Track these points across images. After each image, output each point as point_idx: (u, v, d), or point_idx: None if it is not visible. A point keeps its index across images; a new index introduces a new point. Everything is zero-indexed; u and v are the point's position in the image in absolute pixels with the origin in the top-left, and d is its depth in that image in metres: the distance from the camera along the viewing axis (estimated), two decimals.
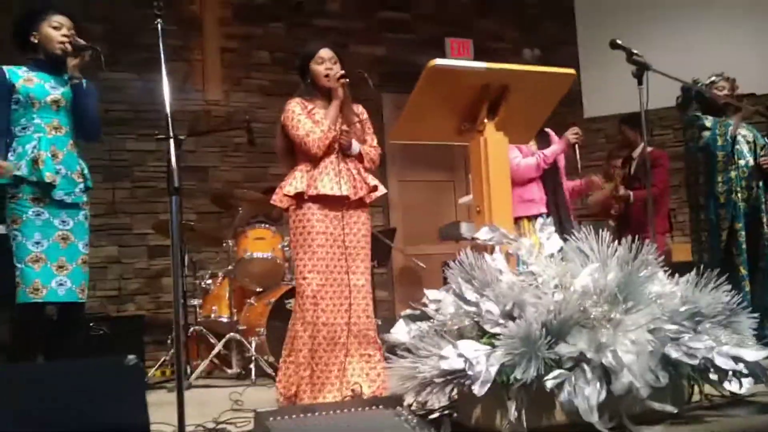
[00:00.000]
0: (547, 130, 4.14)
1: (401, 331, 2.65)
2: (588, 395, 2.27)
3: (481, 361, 2.30)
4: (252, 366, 4.75)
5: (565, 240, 2.73)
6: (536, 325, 2.33)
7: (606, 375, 2.32)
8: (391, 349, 2.70)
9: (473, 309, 2.48)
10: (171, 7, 5.73)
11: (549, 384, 2.29)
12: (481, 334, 2.43)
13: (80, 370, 2.40)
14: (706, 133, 4.45)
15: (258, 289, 5.26)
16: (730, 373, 2.49)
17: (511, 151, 3.55)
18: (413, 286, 6.64)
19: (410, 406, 2.53)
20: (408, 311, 2.71)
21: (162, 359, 5.02)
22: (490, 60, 2.96)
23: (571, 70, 3.05)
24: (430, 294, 2.65)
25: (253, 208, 5.49)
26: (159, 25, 2.73)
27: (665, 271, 2.68)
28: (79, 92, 3.33)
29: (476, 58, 6.71)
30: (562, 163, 4.26)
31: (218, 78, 6.44)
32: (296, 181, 3.41)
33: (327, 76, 3.44)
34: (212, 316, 5.18)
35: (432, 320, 2.59)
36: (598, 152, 6.73)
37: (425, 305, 2.65)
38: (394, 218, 6.97)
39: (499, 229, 2.72)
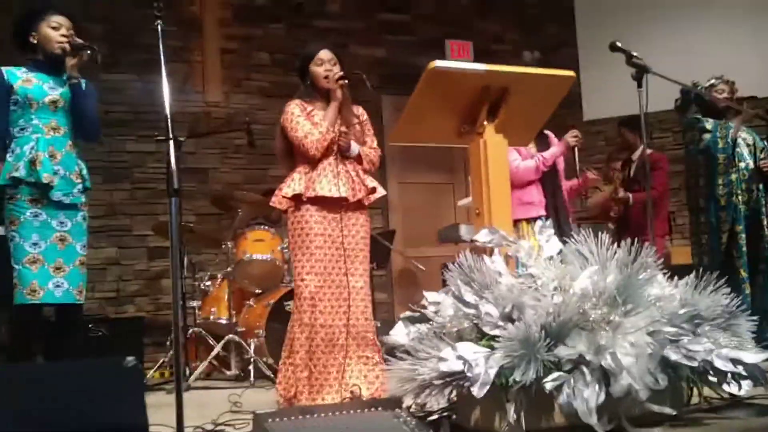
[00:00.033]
0: (547, 132, 4.14)
1: (400, 333, 2.66)
2: (587, 397, 2.27)
3: (480, 363, 2.30)
4: (251, 368, 4.75)
5: (564, 242, 2.73)
6: (535, 328, 2.33)
7: (605, 377, 2.32)
8: (390, 351, 2.70)
9: (472, 311, 2.48)
10: (171, 8, 5.73)
11: (548, 386, 2.29)
12: (480, 336, 2.43)
13: (80, 371, 2.41)
14: (707, 136, 4.46)
15: (257, 291, 5.26)
16: (729, 375, 2.49)
17: (510, 154, 3.55)
18: (412, 288, 6.64)
19: (409, 407, 2.53)
20: (407, 313, 2.71)
21: (161, 361, 5.02)
22: (491, 62, 2.96)
23: (571, 73, 3.05)
24: (430, 296, 2.66)
25: (253, 210, 5.49)
26: (159, 26, 2.73)
27: (664, 274, 2.68)
28: (78, 92, 3.33)
29: (476, 60, 6.72)
30: (561, 165, 4.26)
31: (218, 79, 6.44)
32: (294, 183, 3.41)
33: (326, 77, 3.44)
34: (211, 317, 5.17)
35: (431, 322, 2.59)
36: (598, 155, 6.73)
37: (424, 307, 2.65)
38: (393, 220, 6.97)
39: (498, 231, 2.72)
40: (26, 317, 3.23)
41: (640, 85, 3.54)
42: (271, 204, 3.50)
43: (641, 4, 7.02)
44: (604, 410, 2.30)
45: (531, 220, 3.90)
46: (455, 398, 2.50)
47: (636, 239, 2.63)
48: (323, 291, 3.36)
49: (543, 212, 3.98)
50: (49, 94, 3.31)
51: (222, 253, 5.46)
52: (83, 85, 3.35)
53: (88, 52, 3.26)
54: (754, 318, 2.68)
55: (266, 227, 5.27)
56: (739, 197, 4.40)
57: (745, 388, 2.56)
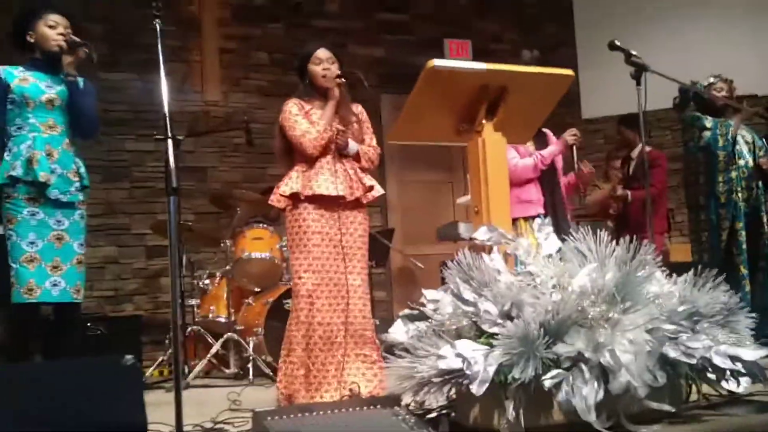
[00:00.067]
0: (545, 130, 4.14)
1: (399, 331, 2.65)
2: (586, 395, 2.27)
3: (479, 361, 2.30)
4: (250, 366, 4.75)
5: (562, 240, 2.73)
6: (534, 325, 2.33)
7: (604, 374, 2.32)
8: (389, 349, 2.70)
9: (471, 309, 2.48)
10: (170, 7, 5.73)
11: (547, 383, 2.28)
12: (479, 334, 2.43)
13: (78, 370, 2.41)
14: (707, 134, 4.47)
15: (256, 289, 5.26)
16: (728, 372, 2.49)
17: (508, 152, 3.55)
18: (411, 287, 6.64)
19: (408, 405, 2.53)
20: (406, 311, 2.71)
21: (160, 359, 5.02)
22: (490, 61, 2.96)
23: (570, 72, 3.05)
24: (428, 294, 2.65)
25: (252, 209, 5.49)
26: (157, 26, 2.74)
27: (663, 272, 2.68)
28: (75, 90, 3.33)
29: (475, 59, 6.71)
30: (559, 164, 4.26)
31: (217, 79, 6.44)
32: (292, 181, 3.41)
33: (324, 76, 3.44)
34: (210, 316, 5.18)
35: (430, 320, 2.59)
36: (596, 153, 6.73)
37: (423, 305, 2.65)
38: (392, 218, 6.97)
39: (497, 229, 2.72)
40: (24, 316, 3.24)
41: (638, 84, 3.55)
42: (269, 202, 3.51)
43: (640, 3, 7.03)
44: (603, 407, 2.30)
45: (529, 219, 3.90)
46: (454, 396, 2.50)
47: (635, 237, 2.63)
48: (320, 289, 3.36)
49: (541, 210, 3.98)
50: (45, 92, 3.31)
51: (221, 252, 5.47)
52: (81, 83, 3.35)
53: (85, 49, 3.26)
54: (753, 315, 2.68)
55: (265, 226, 5.27)
56: (739, 195, 4.41)
57: (744, 385, 2.56)
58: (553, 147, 4.12)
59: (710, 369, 2.48)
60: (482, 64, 2.89)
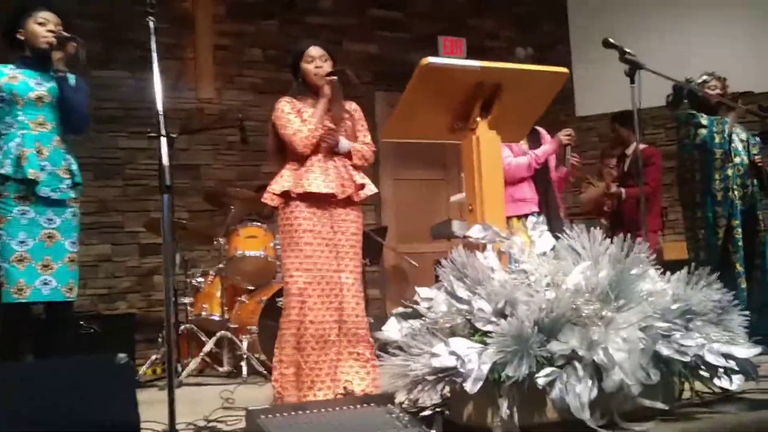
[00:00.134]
0: (538, 128, 4.14)
1: (393, 329, 2.65)
2: (579, 393, 2.27)
3: (473, 359, 2.30)
4: (243, 364, 4.75)
5: (555, 239, 2.73)
6: (528, 323, 2.33)
7: (597, 372, 2.32)
8: (383, 347, 2.70)
9: (465, 307, 2.48)
10: (163, 4, 5.67)
11: (541, 381, 2.29)
12: (473, 332, 2.43)
13: (71, 369, 2.40)
14: (703, 131, 4.47)
15: (250, 288, 5.25)
16: (721, 370, 2.49)
17: (502, 150, 3.55)
18: (404, 284, 6.65)
19: (402, 403, 2.53)
20: (400, 309, 2.71)
21: (153, 357, 5.00)
22: (485, 59, 2.95)
23: (564, 69, 3.04)
24: (422, 292, 2.65)
25: (246, 207, 5.48)
26: (151, 23, 2.72)
27: (657, 270, 2.68)
28: (65, 86, 3.31)
29: (471, 57, 6.68)
30: (552, 163, 4.27)
31: (211, 76, 6.42)
32: (283, 180, 3.41)
33: (316, 74, 3.44)
34: (203, 314, 5.17)
35: (424, 318, 2.58)
36: (590, 151, 6.74)
37: (417, 303, 2.65)
38: (386, 216, 6.97)
39: (491, 227, 2.72)
40: (14, 316, 3.22)
41: (632, 82, 3.55)
42: (263, 200, 3.50)
43: (634, 0, 7.03)
44: (597, 405, 2.30)
45: (523, 217, 3.90)
46: (448, 394, 2.50)
47: (629, 235, 2.63)
48: (312, 287, 3.36)
49: (535, 209, 3.98)
50: (35, 89, 3.30)
51: (214, 250, 5.45)
52: (71, 80, 3.34)
53: (74, 43, 3.25)
54: (749, 312, 2.69)
55: (259, 224, 5.26)
56: (735, 192, 4.43)
57: (737, 382, 2.57)
58: (548, 146, 4.12)
59: (703, 367, 2.49)
60: (476, 61, 2.88)
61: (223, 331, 4.93)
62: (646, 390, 2.34)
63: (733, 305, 2.64)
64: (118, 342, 4.89)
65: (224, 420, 3.00)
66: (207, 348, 4.85)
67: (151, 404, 2.69)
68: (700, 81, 4.63)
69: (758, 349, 2.53)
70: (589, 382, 2.29)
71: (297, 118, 3.42)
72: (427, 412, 2.56)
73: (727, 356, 2.47)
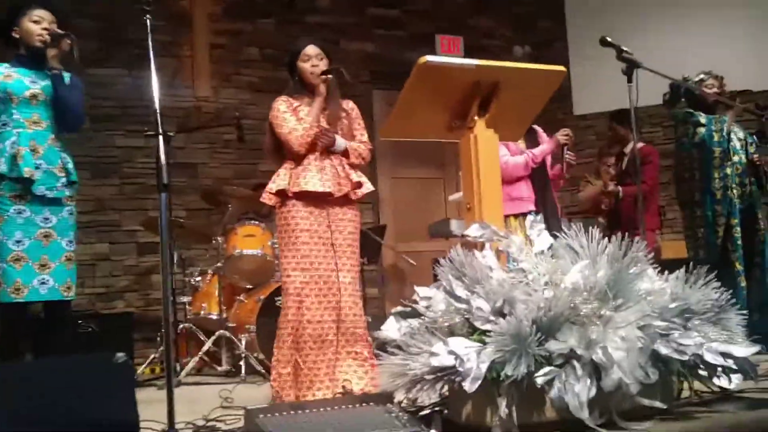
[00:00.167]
0: (535, 127, 4.14)
1: (392, 328, 2.65)
2: (578, 392, 2.28)
3: (472, 358, 2.30)
4: (242, 363, 4.74)
5: (553, 237, 2.73)
6: (526, 322, 2.33)
7: (596, 371, 2.32)
8: (382, 347, 2.70)
9: (464, 306, 2.48)
10: (160, 2, 5.70)
11: (539, 380, 2.29)
12: (472, 331, 2.43)
13: (69, 368, 2.39)
14: (702, 130, 4.47)
15: (248, 286, 5.25)
16: (719, 369, 2.50)
17: (499, 149, 3.55)
18: (403, 283, 6.65)
19: (401, 402, 2.53)
20: (398, 308, 2.71)
21: (151, 357, 5.00)
22: (482, 57, 2.95)
23: (562, 68, 3.04)
24: (421, 291, 2.65)
25: (243, 205, 5.48)
26: (148, 21, 2.72)
27: (655, 269, 2.68)
28: (59, 84, 3.31)
29: (469, 55, 6.71)
30: (549, 160, 4.26)
31: (207, 74, 6.41)
32: (280, 179, 3.41)
33: (312, 73, 3.44)
34: (202, 313, 5.16)
35: (422, 317, 2.58)
36: (588, 149, 6.74)
37: (415, 302, 2.65)
38: (384, 215, 6.97)
39: (489, 226, 2.72)
40: (11, 316, 3.22)
41: (630, 80, 3.55)
42: (261, 200, 3.50)
43: None
44: (595, 404, 2.30)
45: (519, 216, 3.90)
46: (447, 393, 2.50)
47: (627, 233, 2.63)
48: (310, 287, 3.35)
49: (533, 207, 3.98)
50: (29, 88, 3.29)
51: (212, 249, 5.45)
52: (65, 78, 3.33)
53: (68, 40, 3.24)
54: (748, 312, 2.69)
55: (256, 222, 5.25)
56: (734, 191, 4.43)
57: (735, 381, 2.57)
58: (545, 146, 4.12)
59: (702, 366, 2.49)
60: (474, 60, 2.88)
61: (221, 330, 4.92)
62: (644, 389, 2.34)
63: (732, 304, 2.65)
64: (117, 341, 4.89)
65: (223, 419, 3.00)
66: (205, 347, 4.85)
67: (149, 403, 2.69)
68: (697, 79, 4.63)
69: (757, 348, 2.53)
70: (588, 381, 2.30)
71: (293, 117, 3.42)
72: (425, 411, 2.56)
73: (725, 355, 2.48)
